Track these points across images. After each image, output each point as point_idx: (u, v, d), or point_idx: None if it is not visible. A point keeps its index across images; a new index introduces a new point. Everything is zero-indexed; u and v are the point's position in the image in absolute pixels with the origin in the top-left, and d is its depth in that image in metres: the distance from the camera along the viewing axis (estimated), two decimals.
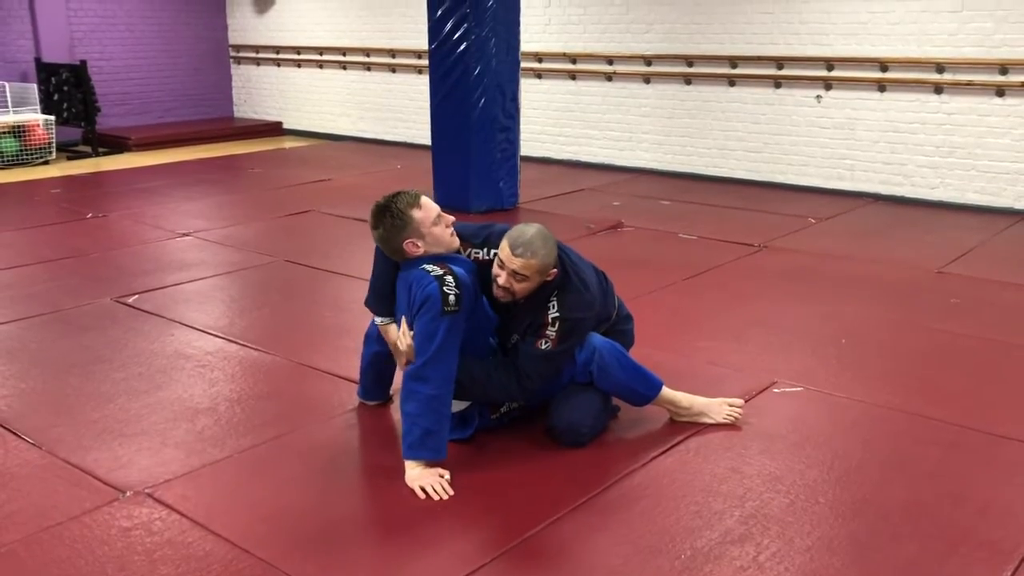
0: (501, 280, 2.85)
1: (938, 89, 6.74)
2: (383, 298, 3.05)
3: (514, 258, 2.79)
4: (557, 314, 2.90)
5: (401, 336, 2.93)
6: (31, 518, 2.63)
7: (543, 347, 2.90)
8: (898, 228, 6.24)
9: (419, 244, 2.89)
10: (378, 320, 3.10)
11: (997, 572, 2.39)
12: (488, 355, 3.01)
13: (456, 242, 2.96)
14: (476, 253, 3.00)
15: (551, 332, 2.89)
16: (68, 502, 2.71)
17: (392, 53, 10.01)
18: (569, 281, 2.94)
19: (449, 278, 2.77)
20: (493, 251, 2.95)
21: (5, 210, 6.86)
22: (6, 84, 9.57)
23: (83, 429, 3.20)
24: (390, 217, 2.88)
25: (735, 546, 2.49)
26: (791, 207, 6.82)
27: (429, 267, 2.81)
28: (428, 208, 2.91)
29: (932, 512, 2.67)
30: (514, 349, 2.99)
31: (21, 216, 6.61)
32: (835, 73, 7.20)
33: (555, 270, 2.89)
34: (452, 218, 2.98)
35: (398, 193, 2.93)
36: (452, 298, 2.74)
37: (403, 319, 2.91)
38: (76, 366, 3.77)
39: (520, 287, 2.85)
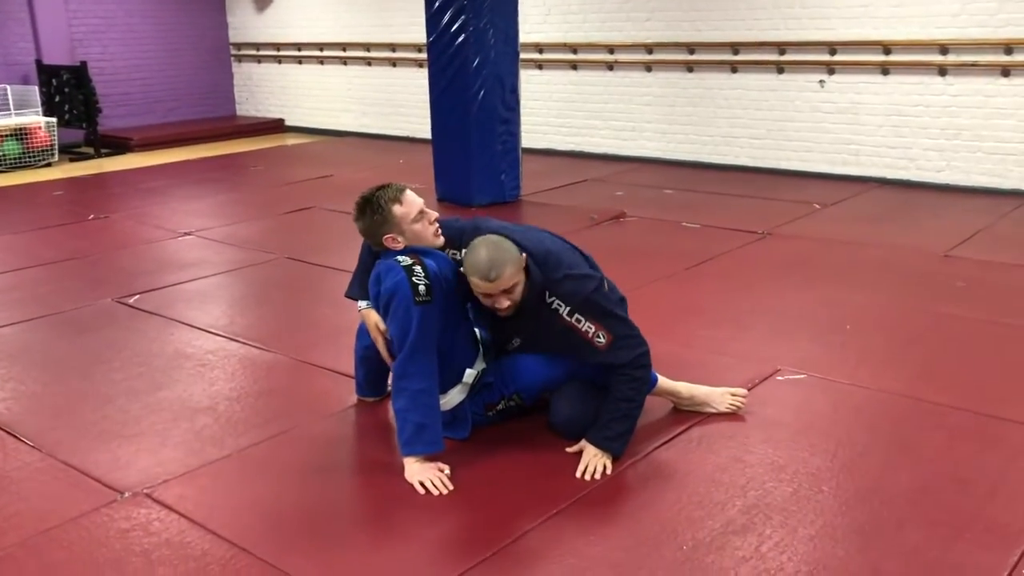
0: (500, 305, 2.78)
1: (942, 71, 6.68)
2: (365, 285, 3.02)
3: (492, 284, 2.71)
4: (569, 307, 2.81)
5: (376, 329, 2.94)
6: (30, 521, 2.62)
7: (601, 341, 2.81)
8: (904, 212, 6.19)
9: (399, 240, 2.87)
10: (361, 305, 3.07)
11: (1005, 556, 2.36)
12: (473, 356, 2.95)
13: (440, 241, 2.91)
14: (455, 254, 2.94)
15: (588, 327, 2.80)
16: (67, 504, 2.70)
17: (392, 47, 9.98)
18: (547, 271, 2.82)
19: (418, 268, 2.74)
20: None
21: (7, 213, 6.86)
22: (7, 87, 9.58)
23: (83, 430, 3.19)
24: (371, 211, 2.86)
25: (737, 536, 2.46)
26: (795, 193, 6.77)
27: (401, 257, 2.79)
28: (410, 204, 2.86)
29: (938, 498, 2.64)
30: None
31: (23, 219, 6.61)
32: (838, 57, 7.14)
33: (522, 255, 2.79)
34: (435, 214, 2.93)
35: (383, 186, 2.89)
36: (422, 288, 2.71)
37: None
38: (76, 367, 3.77)
39: (516, 295, 2.79)
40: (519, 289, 2.79)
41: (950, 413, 3.16)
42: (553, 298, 2.83)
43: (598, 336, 2.82)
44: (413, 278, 2.72)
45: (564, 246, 3.00)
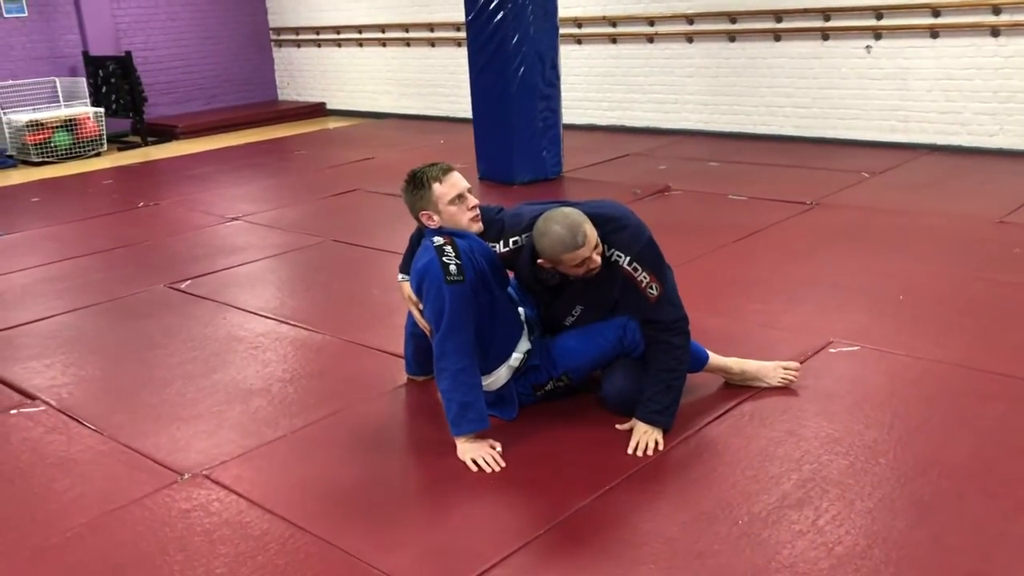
0: (595, 264, 2.77)
1: (995, 32, 6.48)
2: (410, 262, 3.05)
3: (583, 248, 2.71)
4: (629, 256, 2.82)
5: (409, 301, 3.00)
6: (95, 502, 2.69)
7: (653, 293, 2.82)
8: (956, 179, 6.04)
9: (434, 218, 2.88)
10: (400, 277, 3.13)
11: None
12: (517, 336, 2.96)
13: (477, 227, 2.90)
14: (493, 246, 2.94)
15: (643, 276, 2.81)
16: (130, 486, 2.77)
17: (431, 27, 9.96)
18: (605, 226, 2.82)
19: (449, 248, 2.75)
20: (513, 240, 2.91)
21: (60, 203, 7.01)
22: (56, 79, 9.76)
23: (142, 414, 3.26)
24: (413, 186, 2.89)
25: (793, 510, 2.44)
26: (843, 162, 6.65)
27: (435, 238, 2.81)
28: (450, 185, 2.86)
29: (999, 469, 2.59)
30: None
31: (75, 208, 6.75)
32: (885, 22, 6.96)
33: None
34: (475, 201, 2.93)
35: (433, 164, 2.93)
36: (453, 267, 2.72)
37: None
38: (133, 352, 3.85)
39: (600, 248, 2.79)
40: (599, 249, 2.80)
41: (1009, 383, 3.09)
42: (613, 250, 2.84)
43: (651, 288, 2.82)
44: (444, 258, 2.73)
45: (607, 202, 3.01)
